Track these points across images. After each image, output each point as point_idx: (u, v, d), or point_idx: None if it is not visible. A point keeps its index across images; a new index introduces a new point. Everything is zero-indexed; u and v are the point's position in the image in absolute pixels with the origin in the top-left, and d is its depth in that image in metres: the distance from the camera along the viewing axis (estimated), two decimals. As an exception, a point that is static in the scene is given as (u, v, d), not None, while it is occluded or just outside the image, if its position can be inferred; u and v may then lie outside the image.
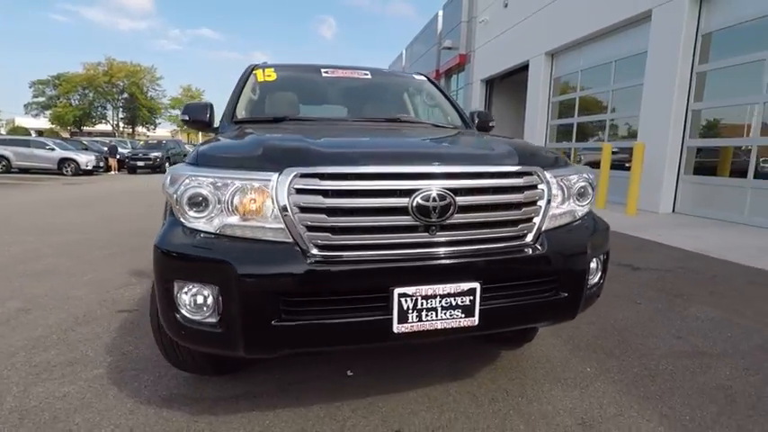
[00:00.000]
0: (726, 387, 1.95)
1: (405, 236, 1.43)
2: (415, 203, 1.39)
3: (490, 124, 2.98)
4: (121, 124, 47.39)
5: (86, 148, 18.96)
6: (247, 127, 2.27)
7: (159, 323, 1.66)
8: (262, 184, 1.39)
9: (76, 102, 43.75)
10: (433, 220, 1.41)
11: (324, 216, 1.38)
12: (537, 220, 1.58)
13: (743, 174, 6.04)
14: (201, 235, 1.42)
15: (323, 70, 2.96)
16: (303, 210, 1.37)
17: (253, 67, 2.88)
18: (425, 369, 2.09)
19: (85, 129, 44.38)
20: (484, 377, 2.04)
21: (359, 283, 1.38)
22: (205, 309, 1.40)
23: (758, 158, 5.91)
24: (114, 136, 36.75)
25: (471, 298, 1.44)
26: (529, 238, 1.56)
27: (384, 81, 3.17)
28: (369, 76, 3.01)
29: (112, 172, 18.80)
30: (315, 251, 1.37)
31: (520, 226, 1.55)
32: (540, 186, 1.58)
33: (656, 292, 3.27)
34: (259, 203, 1.39)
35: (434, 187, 1.41)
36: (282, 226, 1.37)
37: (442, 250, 1.45)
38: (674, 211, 7.06)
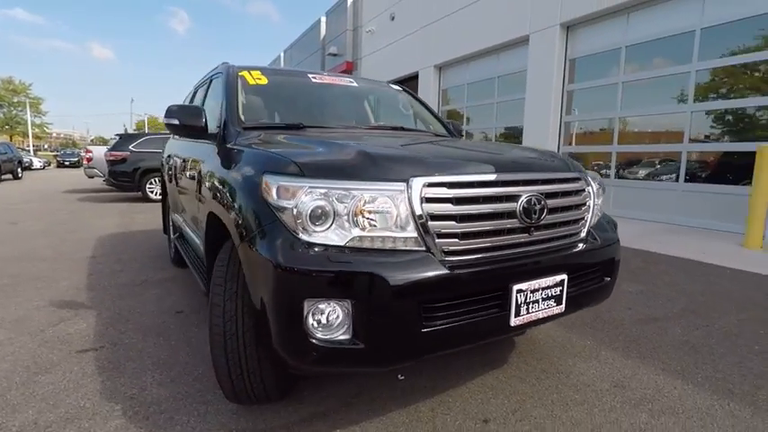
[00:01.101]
0: (687, 342, 2.51)
1: (513, 237, 1.57)
2: (521, 207, 1.55)
3: (462, 133, 3.25)
4: None
5: None
6: (275, 134, 2.15)
7: (228, 351, 1.54)
8: (392, 194, 1.39)
9: None
10: (533, 221, 1.58)
11: (453, 223, 1.44)
12: (588, 217, 1.86)
13: (606, 175, 7.49)
14: (331, 249, 1.35)
15: (310, 75, 2.89)
16: (434, 218, 1.42)
17: (236, 69, 2.68)
18: (464, 364, 2.23)
19: None
20: (517, 361, 2.27)
21: (487, 284, 1.47)
22: (337, 326, 1.34)
23: (617, 162, 7.40)
24: None
25: (561, 288, 1.64)
26: (583, 233, 1.83)
27: (370, 89, 3.22)
28: (354, 84, 3.03)
29: None
30: (446, 257, 1.42)
31: (579, 224, 1.81)
32: (587, 189, 1.87)
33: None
34: (391, 213, 1.39)
35: (534, 192, 1.58)
36: (415, 235, 1.40)
37: (539, 247, 1.63)
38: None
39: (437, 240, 1.42)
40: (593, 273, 1.84)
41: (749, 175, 4.97)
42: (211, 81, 3.11)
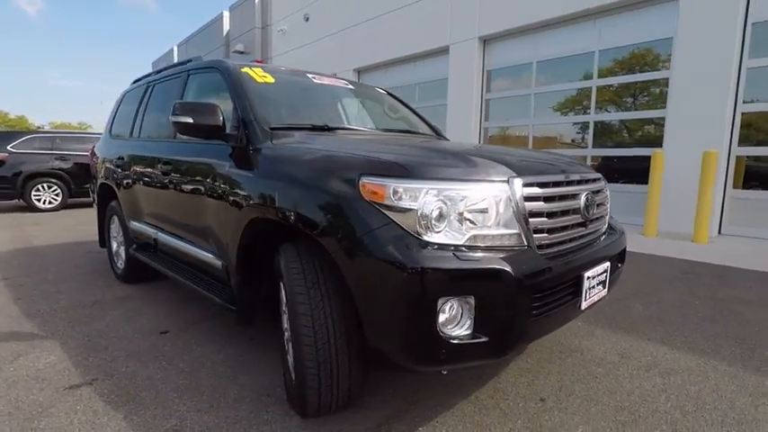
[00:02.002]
0: (651, 316, 2.99)
1: (578, 230, 1.76)
2: (583, 203, 1.75)
3: (444, 135, 3.43)
4: None
5: None
6: (315, 135, 2.09)
7: (320, 360, 1.53)
8: (499, 194, 1.48)
9: None
10: (589, 216, 1.80)
11: (545, 219, 1.58)
12: (609, 212, 2.14)
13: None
14: (454, 248, 1.39)
15: (309, 75, 2.82)
16: (531, 215, 1.54)
17: (237, 65, 2.51)
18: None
19: None
20: (534, 345, 2.49)
21: (571, 273, 1.64)
22: (462, 322, 1.39)
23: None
24: None
25: (606, 274, 1.88)
26: (605, 226, 2.11)
27: (363, 91, 3.22)
28: (350, 86, 3.02)
29: None
30: (539, 251, 1.55)
31: (606, 218, 2.09)
32: (606, 188, 2.15)
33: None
34: (498, 212, 1.48)
35: (588, 190, 1.80)
36: (518, 231, 1.50)
37: (591, 238, 1.85)
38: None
39: (534, 236, 1.54)
40: (617, 260, 2.13)
41: (646, 176, 5.97)
42: (189, 77, 2.85)
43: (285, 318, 1.81)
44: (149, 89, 3.39)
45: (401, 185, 1.41)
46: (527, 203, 1.53)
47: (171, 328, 2.72)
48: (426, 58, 9.85)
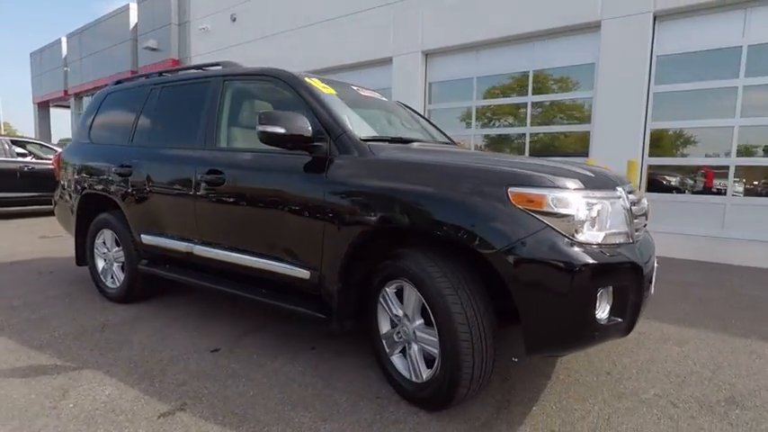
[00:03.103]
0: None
1: (643, 230, 2.14)
2: (628, 205, 2.12)
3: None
4: None
5: None
6: (398, 147, 2.24)
7: (475, 355, 1.71)
8: (618, 200, 1.79)
9: None
10: (647, 218, 2.20)
11: (635, 220, 1.92)
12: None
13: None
14: (597, 246, 1.66)
15: (354, 87, 2.90)
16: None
17: (299, 75, 2.52)
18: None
19: None
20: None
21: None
22: (604, 306, 1.66)
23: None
24: None
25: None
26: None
27: (392, 104, 3.34)
28: (384, 99, 3.16)
29: None
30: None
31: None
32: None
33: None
34: (618, 214, 1.78)
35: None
36: (627, 230, 1.82)
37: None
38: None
39: (633, 234, 1.87)
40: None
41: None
42: (225, 84, 2.76)
43: (405, 319, 1.92)
44: (155, 92, 3.15)
45: (558, 195, 1.64)
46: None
47: (219, 346, 2.60)
48: (368, 67, 10.11)
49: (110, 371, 2.29)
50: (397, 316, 2.02)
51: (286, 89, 2.47)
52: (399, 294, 2.02)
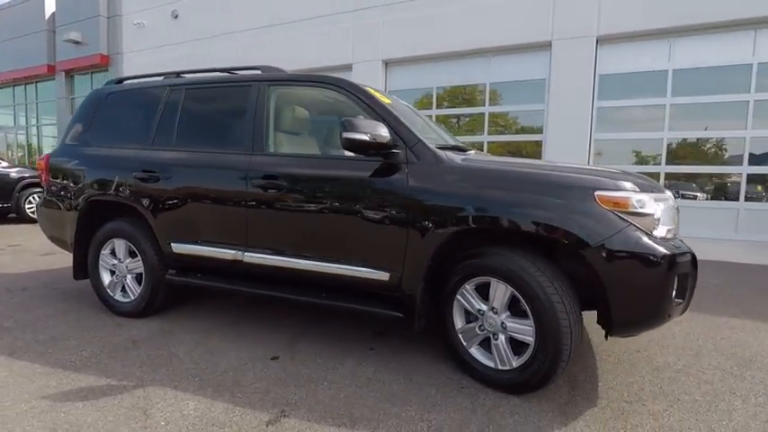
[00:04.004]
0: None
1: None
2: (675, 204, 2.52)
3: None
4: None
5: None
6: (466, 154, 2.43)
7: (573, 339, 1.96)
8: (671, 200, 2.12)
9: None
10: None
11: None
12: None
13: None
14: (666, 240, 1.96)
15: (394, 97, 3.02)
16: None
17: (359, 84, 2.60)
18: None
19: None
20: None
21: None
22: (674, 290, 1.97)
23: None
24: None
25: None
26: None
27: (414, 110, 3.49)
28: (409, 105, 3.31)
29: None
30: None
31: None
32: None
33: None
34: (672, 213, 2.11)
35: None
36: (676, 226, 2.16)
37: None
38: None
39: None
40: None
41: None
42: (270, 89, 2.75)
43: (491, 312, 2.10)
44: (177, 94, 3.01)
45: (639, 197, 1.93)
46: None
47: (275, 353, 2.57)
48: (327, 73, 10.12)
49: (178, 386, 2.19)
50: (480, 311, 2.18)
51: (347, 97, 2.54)
52: (479, 291, 2.19)
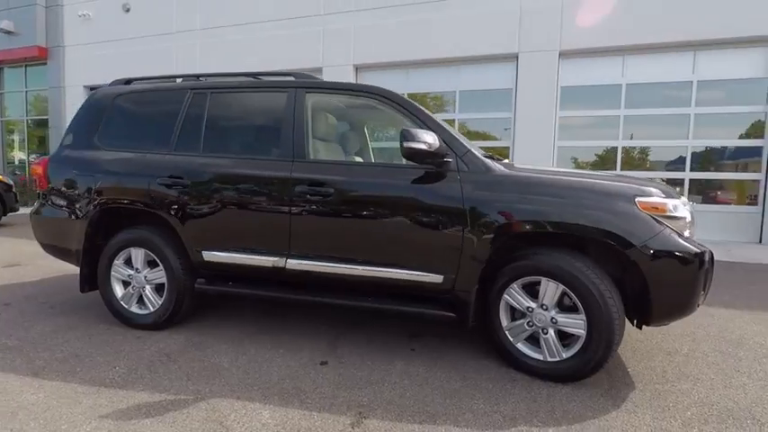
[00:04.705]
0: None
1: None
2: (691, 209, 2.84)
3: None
4: None
5: None
6: (503, 162, 2.60)
7: (617, 331, 2.19)
8: (689, 206, 2.42)
9: None
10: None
11: (689, 221, 2.60)
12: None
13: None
14: (691, 240, 2.25)
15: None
16: (688, 219, 2.54)
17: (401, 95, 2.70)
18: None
19: None
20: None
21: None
22: (698, 285, 2.26)
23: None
24: None
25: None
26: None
27: None
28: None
29: None
30: (690, 240, 2.57)
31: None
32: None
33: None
34: (691, 217, 2.41)
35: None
36: (693, 228, 2.47)
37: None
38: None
39: (689, 231, 2.54)
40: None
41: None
42: (306, 95, 2.77)
43: (541, 309, 2.29)
44: (201, 98, 2.93)
45: (674, 202, 2.20)
46: None
47: (319, 359, 2.59)
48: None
49: (240, 396, 2.16)
50: (528, 308, 2.36)
51: (391, 106, 2.63)
52: (527, 289, 2.37)
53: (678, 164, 7.63)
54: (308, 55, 9.53)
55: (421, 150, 2.28)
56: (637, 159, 7.95)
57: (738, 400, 2.18)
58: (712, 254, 2.31)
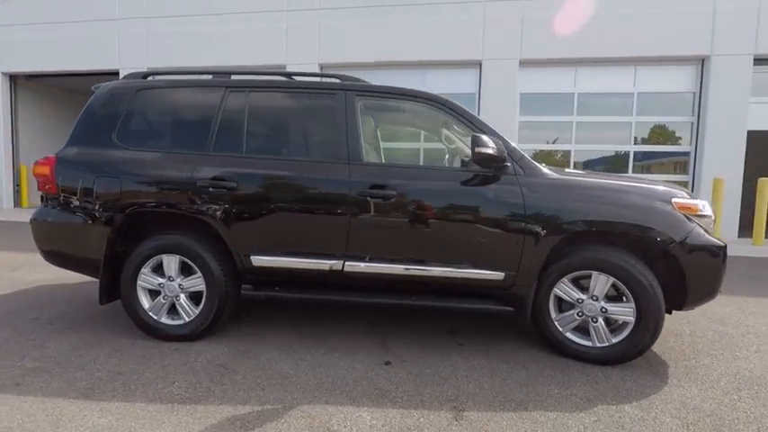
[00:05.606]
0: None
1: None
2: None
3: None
4: None
5: None
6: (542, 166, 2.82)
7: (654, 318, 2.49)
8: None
9: None
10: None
11: (697, 218, 3.00)
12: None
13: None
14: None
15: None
16: (700, 216, 2.93)
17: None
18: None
19: None
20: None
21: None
22: (717, 274, 2.63)
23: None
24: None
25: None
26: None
27: None
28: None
29: None
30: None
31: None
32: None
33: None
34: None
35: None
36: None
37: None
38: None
39: (701, 227, 2.93)
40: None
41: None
42: (356, 99, 2.79)
43: (591, 299, 2.53)
44: (238, 97, 2.82)
45: (703, 203, 2.53)
46: None
47: (383, 359, 2.63)
48: (259, 72, 9.64)
49: (328, 401, 2.15)
50: (579, 299, 2.59)
51: (443, 112, 2.74)
52: (575, 283, 2.60)
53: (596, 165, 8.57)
54: (271, 51, 9.26)
55: (490, 155, 2.41)
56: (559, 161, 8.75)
57: (751, 369, 2.58)
58: (726, 246, 2.70)
